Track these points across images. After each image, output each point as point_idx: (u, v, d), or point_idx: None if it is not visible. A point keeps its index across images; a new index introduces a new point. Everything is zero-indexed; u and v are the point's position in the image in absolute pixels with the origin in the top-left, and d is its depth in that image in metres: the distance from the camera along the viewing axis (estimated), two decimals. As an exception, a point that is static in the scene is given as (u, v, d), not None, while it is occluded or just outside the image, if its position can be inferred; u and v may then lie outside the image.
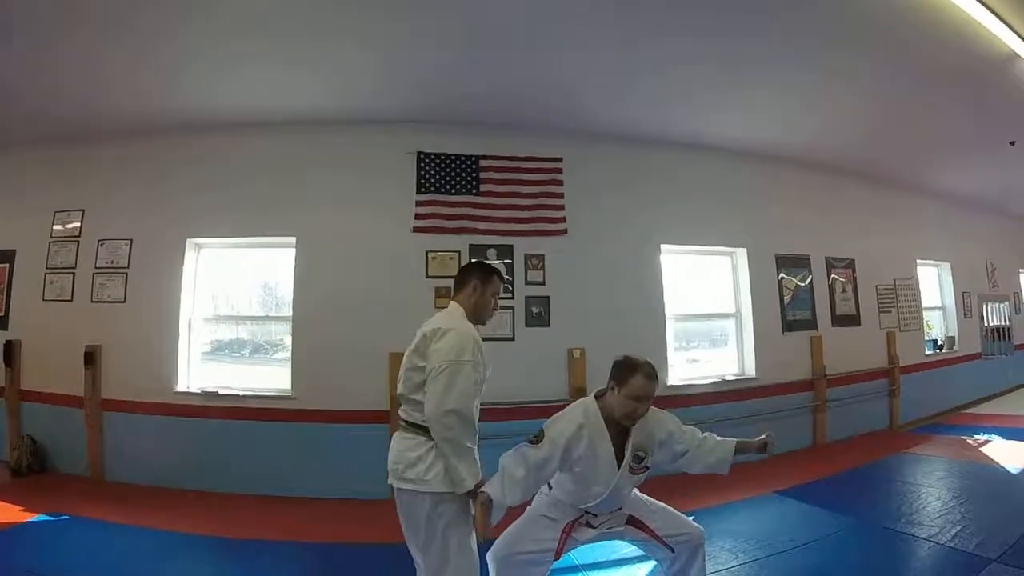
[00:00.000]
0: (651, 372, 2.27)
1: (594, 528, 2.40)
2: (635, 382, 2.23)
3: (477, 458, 2.11)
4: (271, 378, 5.00)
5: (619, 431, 2.33)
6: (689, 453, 2.44)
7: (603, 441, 2.29)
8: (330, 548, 3.58)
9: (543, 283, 5.13)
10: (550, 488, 2.47)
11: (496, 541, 2.37)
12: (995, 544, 3.31)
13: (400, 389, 2.24)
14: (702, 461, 2.45)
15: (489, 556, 2.34)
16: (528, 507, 2.48)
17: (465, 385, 2.09)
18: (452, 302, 2.38)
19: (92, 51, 3.81)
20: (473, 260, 2.50)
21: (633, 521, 2.41)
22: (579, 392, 4.89)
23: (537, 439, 2.25)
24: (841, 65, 4.33)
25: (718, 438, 2.47)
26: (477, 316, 2.38)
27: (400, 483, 2.13)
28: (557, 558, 2.36)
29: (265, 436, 4.58)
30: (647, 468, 2.38)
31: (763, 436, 2.43)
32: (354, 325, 4.67)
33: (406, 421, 2.20)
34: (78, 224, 5.13)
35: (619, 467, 2.29)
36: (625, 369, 2.27)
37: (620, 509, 2.42)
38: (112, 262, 5.00)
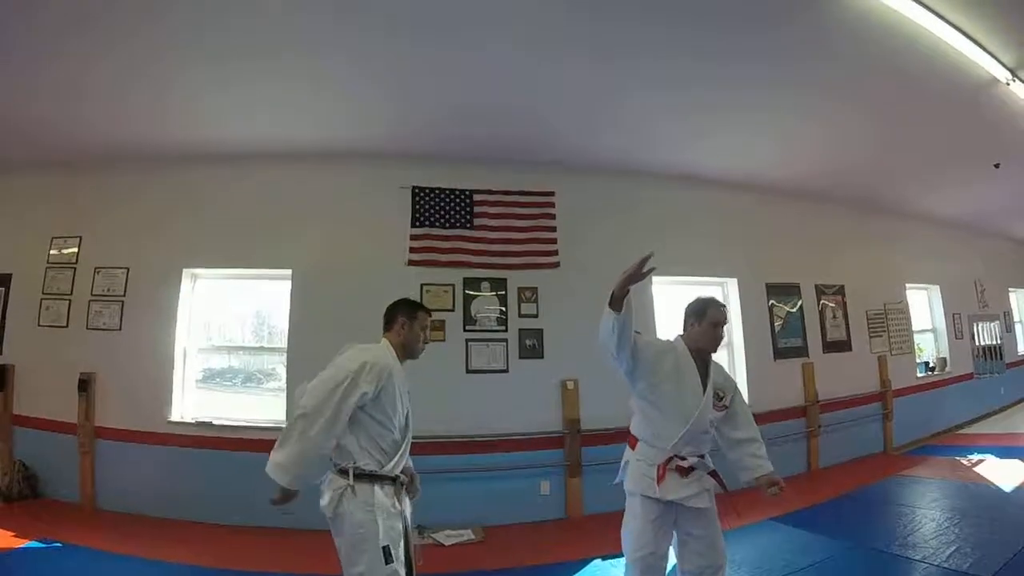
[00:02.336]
0: (719, 302, 2.67)
1: (684, 477, 2.47)
2: (712, 312, 2.59)
3: (299, 457, 2.18)
4: (263, 408, 5.04)
5: (702, 366, 2.59)
6: (742, 430, 2.67)
7: (689, 367, 2.54)
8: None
9: (536, 315, 5.19)
10: (632, 447, 2.60)
11: (628, 550, 2.48)
12: (990, 563, 3.37)
13: None
14: (746, 451, 2.62)
15: (629, 562, 2.46)
16: (626, 506, 2.58)
17: (332, 389, 2.18)
18: (384, 339, 2.48)
19: (98, 81, 3.86)
20: (399, 298, 2.62)
21: (715, 475, 2.57)
22: (573, 424, 4.95)
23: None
24: (830, 95, 4.42)
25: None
26: (408, 351, 2.51)
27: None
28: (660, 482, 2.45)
29: (260, 467, 4.53)
30: (726, 407, 2.62)
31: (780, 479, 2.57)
32: (348, 358, 4.68)
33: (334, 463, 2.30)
34: (75, 250, 5.15)
35: (703, 392, 2.51)
36: (699, 305, 2.63)
37: (703, 458, 2.54)
38: (108, 289, 5.01)
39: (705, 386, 2.53)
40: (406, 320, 2.49)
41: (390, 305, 2.57)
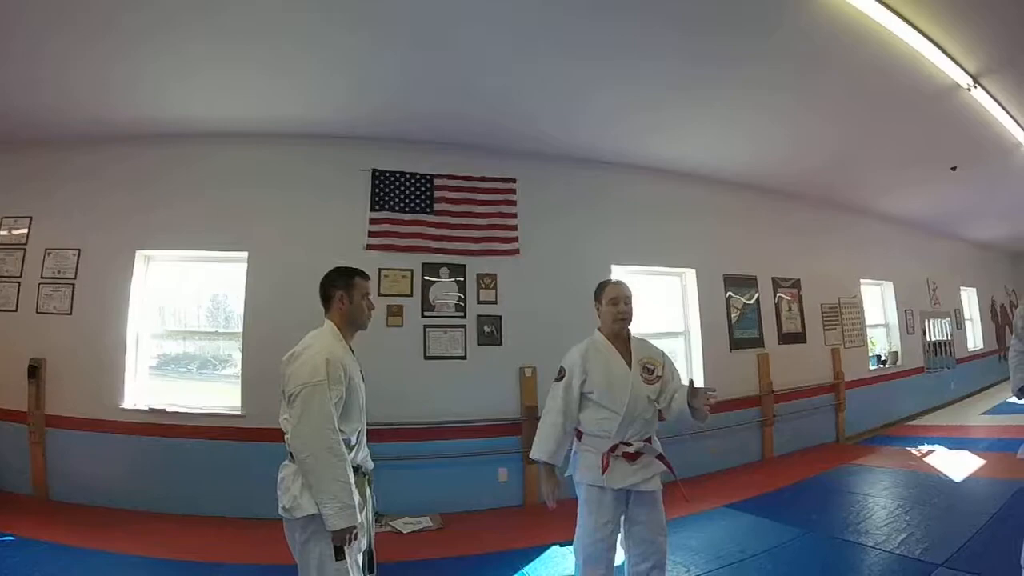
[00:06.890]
0: (618, 280, 2.79)
1: (633, 462, 2.50)
2: (608, 289, 2.69)
3: (348, 488, 1.98)
4: (218, 395, 4.94)
5: (624, 348, 2.64)
6: (673, 387, 2.67)
7: (612, 354, 2.61)
8: (284, 571, 3.54)
9: (495, 302, 5.20)
10: (579, 438, 2.63)
11: (581, 539, 2.54)
12: (940, 550, 3.43)
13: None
14: (677, 400, 2.61)
15: (580, 551, 2.52)
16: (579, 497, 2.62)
17: (320, 409, 1.98)
18: (326, 321, 2.27)
19: (50, 55, 3.70)
20: (331, 269, 2.33)
21: (662, 459, 2.60)
22: (531, 410, 4.98)
23: (560, 375, 2.63)
24: (792, 93, 4.50)
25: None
26: (354, 324, 2.30)
27: (280, 511, 2.07)
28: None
29: (215, 455, 4.48)
30: (659, 377, 2.64)
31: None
32: (305, 343, 4.61)
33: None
34: (25, 231, 4.95)
35: (629, 372, 2.57)
36: (596, 290, 2.75)
37: (649, 441, 2.59)
38: (59, 272, 4.84)
39: (630, 365, 2.57)
40: (343, 293, 2.25)
41: (322, 281, 2.31)
